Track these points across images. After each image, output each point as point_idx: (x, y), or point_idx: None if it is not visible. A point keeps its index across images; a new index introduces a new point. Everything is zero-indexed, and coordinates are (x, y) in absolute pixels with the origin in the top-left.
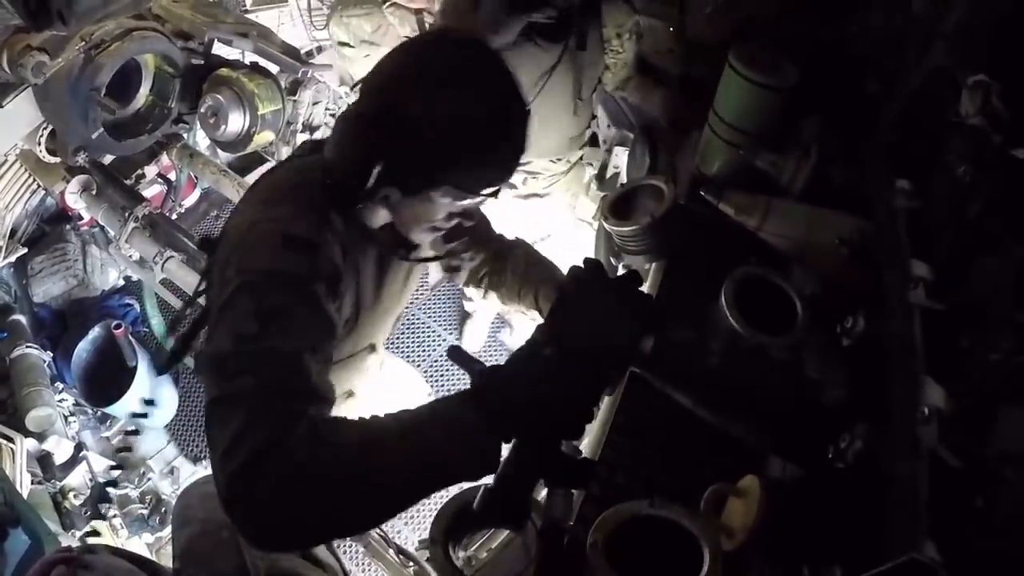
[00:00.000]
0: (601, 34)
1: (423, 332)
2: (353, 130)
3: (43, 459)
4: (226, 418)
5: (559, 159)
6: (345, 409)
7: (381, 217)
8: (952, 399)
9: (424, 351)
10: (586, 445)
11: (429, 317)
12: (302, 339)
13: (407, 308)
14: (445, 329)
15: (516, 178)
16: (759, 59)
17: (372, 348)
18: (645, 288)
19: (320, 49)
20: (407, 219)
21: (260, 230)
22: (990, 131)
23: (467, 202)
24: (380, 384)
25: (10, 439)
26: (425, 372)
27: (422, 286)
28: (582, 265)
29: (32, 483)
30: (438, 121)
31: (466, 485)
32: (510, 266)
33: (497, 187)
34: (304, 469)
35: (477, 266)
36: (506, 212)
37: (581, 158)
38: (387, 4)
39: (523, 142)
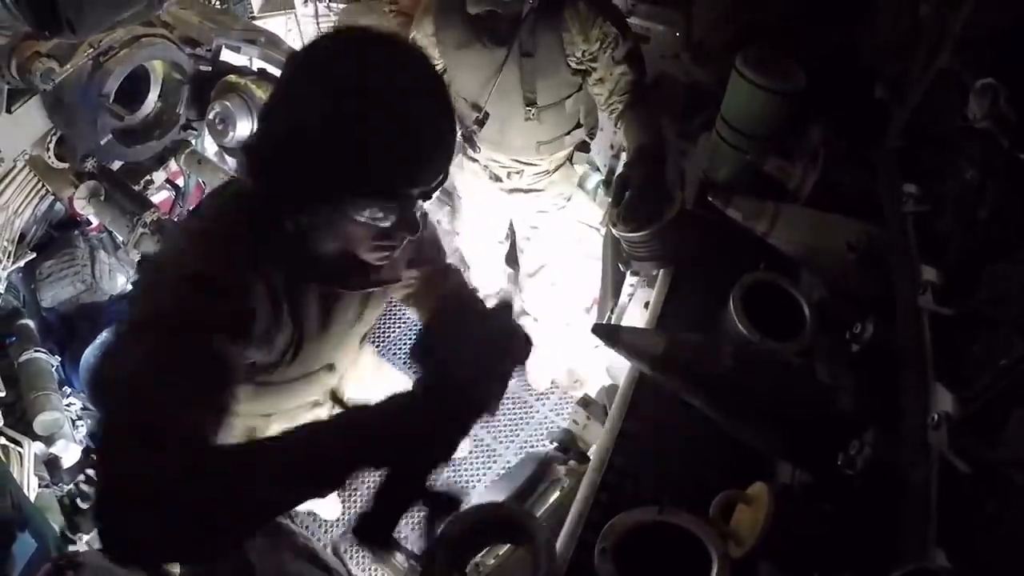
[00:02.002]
0: (562, 40)
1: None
2: (249, 157)
3: (51, 463)
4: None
5: (540, 159)
6: (311, 416)
7: (327, 242)
8: (961, 404)
9: None
10: (595, 451)
11: None
12: (189, 389)
13: (405, 314)
14: None
15: (500, 172)
16: (766, 64)
17: (330, 368)
18: (652, 295)
19: None
20: (349, 239)
21: (173, 268)
22: (998, 135)
23: (395, 213)
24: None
25: (18, 443)
26: None
27: None
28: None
29: (40, 487)
30: (321, 129)
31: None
32: (436, 294)
33: (421, 190)
34: (167, 478)
35: (412, 289)
36: (492, 205)
37: (571, 160)
38: (392, 14)
39: (432, 138)
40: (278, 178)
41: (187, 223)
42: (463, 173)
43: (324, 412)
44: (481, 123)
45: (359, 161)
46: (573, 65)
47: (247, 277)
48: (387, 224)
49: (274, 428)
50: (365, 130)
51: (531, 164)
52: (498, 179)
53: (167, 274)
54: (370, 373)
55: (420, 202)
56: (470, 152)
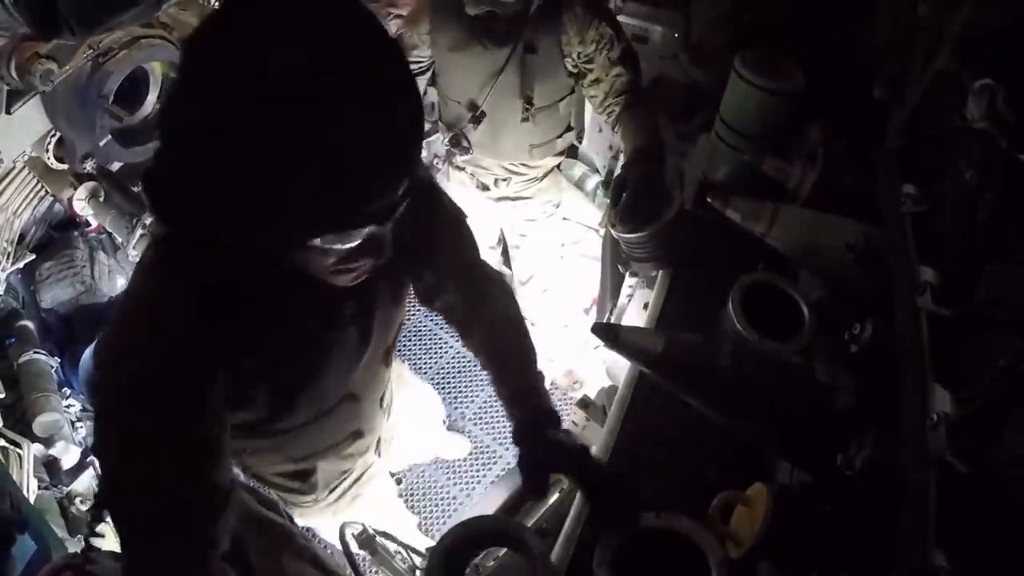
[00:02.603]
0: (560, 41)
1: (429, 340)
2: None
3: (50, 464)
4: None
5: (529, 165)
6: (357, 449)
7: (278, 276)
8: (960, 405)
9: (431, 359)
10: (595, 453)
11: (436, 324)
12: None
13: (412, 315)
14: (452, 336)
15: (488, 179)
16: (765, 65)
17: (352, 398)
18: (651, 295)
19: None
20: (301, 266)
21: (118, 353)
22: (996, 135)
23: (344, 240)
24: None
25: (18, 444)
26: (432, 380)
27: None
28: None
29: (39, 488)
30: (190, 151)
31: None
32: (482, 322)
33: (366, 217)
34: None
35: (451, 302)
36: (480, 214)
37: (559, 166)
38: (390, 17)
39: (360, 155)
40: (174, 211)
41: (121, 305)
42: (449, 184)
43: (370, 443)
44: (477, 121)
45: (253, 195)
46: (569, 67)
47: (189, 358)
48: (342, 249)
49: (323, 468)
50: (258, 153)
51: (518, 172)
52: (485, 188)
53: (112, 392)
54: (395, 385)
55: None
56: (456, 160)
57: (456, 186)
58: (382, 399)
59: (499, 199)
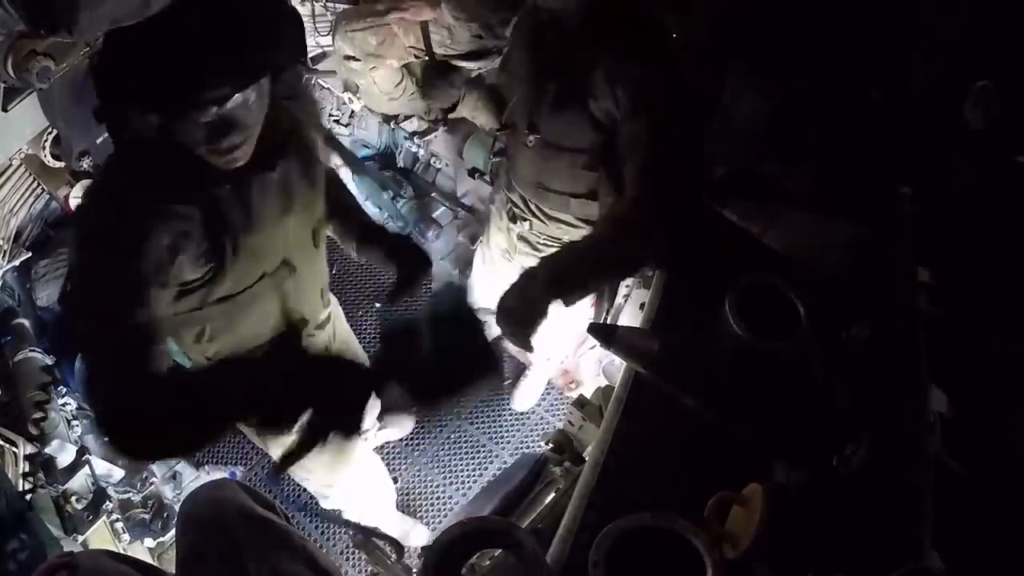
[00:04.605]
0: (594, 78)
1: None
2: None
3: (46, 463)
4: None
5: (548, 213)
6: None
7: (178, 146)
8: (956, 406)
9: None
10: (590, 453)
11: None
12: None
13: (408, 311)
14: None
15: (516, 211)
16: (764, 65)
17: (287, 265)
18: (648, 295)
19: (324, 55)
20: (187, 142)
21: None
22: (994, 136)
23: (209, 112)
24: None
25: (13, 443)
26: None
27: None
28: None
29: (35, 487)
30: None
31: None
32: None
33: (204, 100)
34: None
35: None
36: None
37: None
38: (391, 15)
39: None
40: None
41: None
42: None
43: (317, 335)
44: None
45: (127, 75)
46: (597, 114)
47: (130, 215)
48: (197, 131)
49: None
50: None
51: (534, 216)
52: (513, 219)
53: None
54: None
55: (221, 108)
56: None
57: (497, 205)
58: (322, 292)
59: (520, 237)
